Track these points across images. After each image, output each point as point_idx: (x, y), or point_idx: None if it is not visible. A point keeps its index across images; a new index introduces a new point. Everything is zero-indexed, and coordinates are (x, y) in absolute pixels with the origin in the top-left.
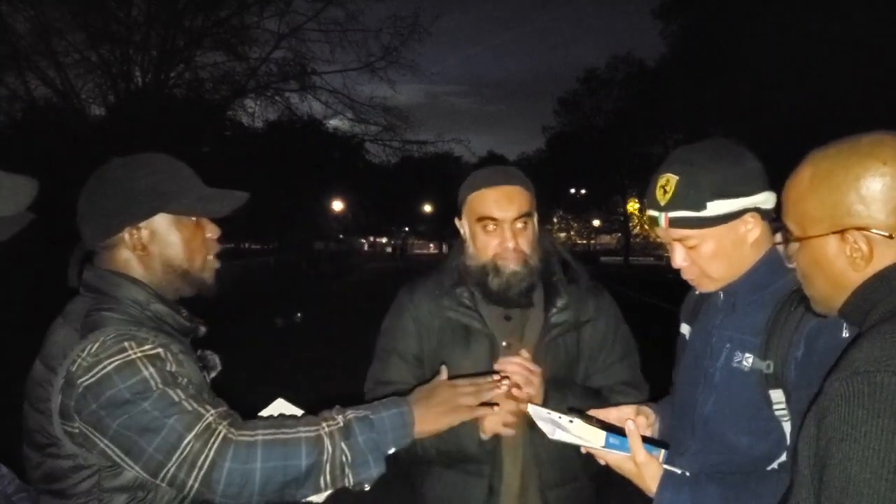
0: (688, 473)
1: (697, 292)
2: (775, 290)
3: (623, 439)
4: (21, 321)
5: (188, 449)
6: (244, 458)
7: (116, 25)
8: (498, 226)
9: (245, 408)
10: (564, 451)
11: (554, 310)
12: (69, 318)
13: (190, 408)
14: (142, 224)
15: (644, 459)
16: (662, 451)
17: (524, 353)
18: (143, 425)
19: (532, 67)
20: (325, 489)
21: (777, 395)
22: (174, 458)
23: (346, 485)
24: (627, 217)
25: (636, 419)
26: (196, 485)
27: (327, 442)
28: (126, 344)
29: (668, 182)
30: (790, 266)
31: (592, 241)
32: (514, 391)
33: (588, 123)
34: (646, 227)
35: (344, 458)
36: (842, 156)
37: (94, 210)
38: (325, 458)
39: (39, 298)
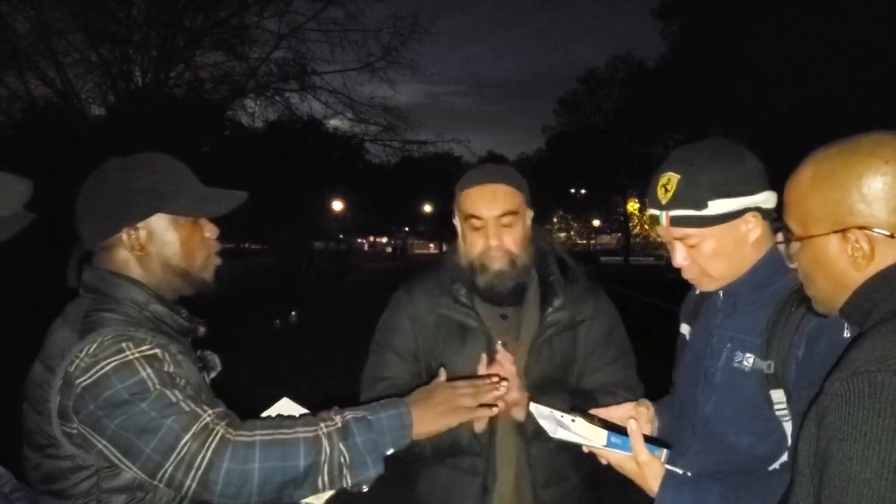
0: (689, 474)
1: (697, 292)
2: (776, 289)
3: (625, 439)
4: (21, 321)
5: (185, 449)
6: (242, 459)
7: (116, 25)
8: (484, 223)
9: (246, 408)
10: (555, 450)
11: (550, 309)
12: (68, 319)
13: (187, 408)
14: (139, 224)
15: (646, 459)
16: (664, 450)
17: (502, 352)
18: (141, 426)
19: (532, 67)
20: (323, 490)
21: (778, 395)
22: (171, 459)
23: (345, 486)
24: (627, 217)
25: (637, 409)
26: (193, 485)
27: (325, 443)
28: (124, 345)
29: (669, 181)
30: (791, 266)
31: (592, 241)
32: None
33: (588, 123)
34: (646, 227)
35: (342, 459)
36: (843, 155)
37: (92, 210)
38: (323, 458)
39: (39, 298)
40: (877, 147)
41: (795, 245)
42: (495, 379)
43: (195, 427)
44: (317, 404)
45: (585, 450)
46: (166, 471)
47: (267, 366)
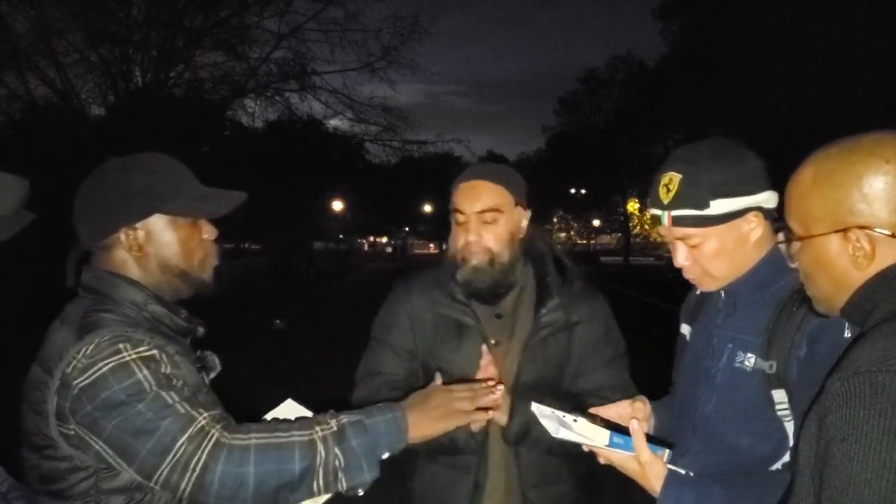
0: (691, 474)
1: (698, 292)
2: (777, 290)
3: (627, 438)
4: (21, 321)
5: (181, 451)
6: (237, 462)
7: (116, 25)
8: (466, 218)
9: (246, 408)
10: (544, 453)
11: (545, 310)
12: (67, 320)
13: (183, 410)
14: (138, 224)
15: (648, 459)
16: (667, 451)
17: (486, 356)
18: (138, 427)
19: (532, 67)
20: (319, 494)
21: (780, 396)
22: (167, 461)
23: (340, 489)
24: (627, 217)
25: (633, 406)
26: (189, 488)
27: (321, 446)
28: (121, 346)
29: (671, 181)
30: (792, 266)
31: (592, 241)
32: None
33: (588, 123)
34: (646, 227)
35: (337, 463)
36: (844, 155)
37: (90, 210)
38: (318, 462)
39: (39, 298)
40: (877, 147)
41: (796, 245)
42: (491, 383)
43: (191, 430)
44: (318, 404)
45: (586, 449)
46: (162, 473)
47: (267, 366)
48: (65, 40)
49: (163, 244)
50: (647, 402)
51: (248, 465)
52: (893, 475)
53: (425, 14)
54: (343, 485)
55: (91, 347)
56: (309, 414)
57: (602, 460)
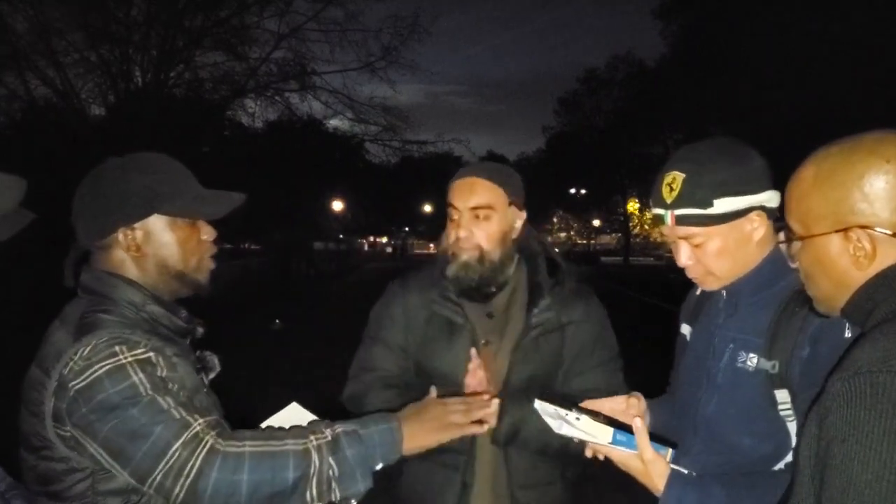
0: (693, 474)
1: (698, 292)
2: (779, 289)
3: (630, 436)
4: (21, 321)
5: (175, 457)
6: (231, 469)
7: (116, 25)
8: (458, 214)
9: (246, 408)
10: (534, 455)
11: (536, 310)
12: (66, 321)
13: (178, 416)
14: (136, 225)
15: (651, 457)
16: (670, 450)
17: (475, 359)
18: (132, 431)
19: (532, 67)
20: (312, 503)
21: (782, 396)
22: (161, 466)
23: (333, 499)
24: (627, 217)
25: (628, 402)
26: (182, 493)
27: (315, 456)
28: (117, 348)
29: (674, 180)
30: (793, 266)
31: (592, 241)
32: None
33: (588, 123)
34: (646, 227)
35: (331, 473)
36: (845, 154)
37: (88, 209)
38: (312, 471)
39: (39, 298)
40: (878, 146)
41: (796, 244)
42: (486, 396)
43: (185, 435)
44: (321, 407)
45: (589, 451)
46: (156, 478)
47: (267, 366)
48: (65, 40)
49: (161, 245)
50: (642, 398)
51: (241, 473)
52: (894, 476)
53: (425, 14)
54: (336, 494)
55: (88, 349)
56: (313, 418)
57: (600, 456)
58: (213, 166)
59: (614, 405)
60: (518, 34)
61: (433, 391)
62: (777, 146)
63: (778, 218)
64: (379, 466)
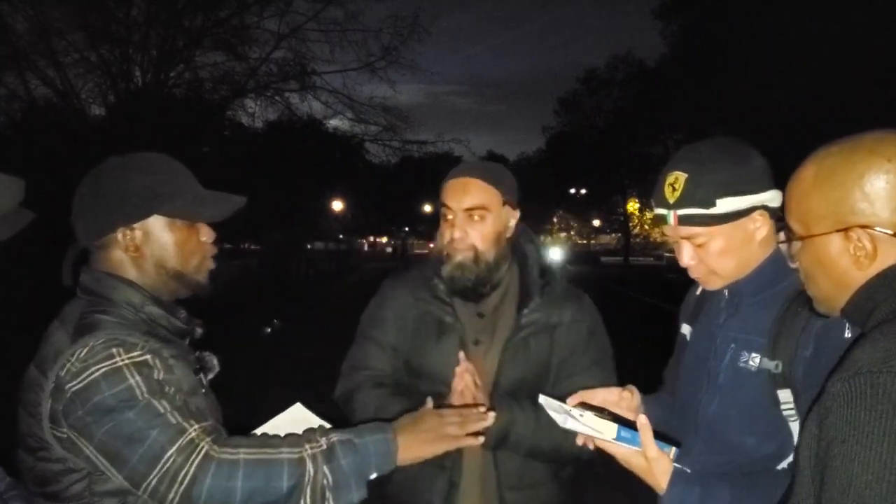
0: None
1: (698, 292)
2: (781, 289)
3: (634, 433)
4: (21, 321)
5: (170, 463)
6: (225, 476)
7: (116, 25)
8: (453, 214)
9: (246, 408)
10: (527, 455)
11: (526, 310)
12: (65, 321)
13: (174, 420)
14: (136, 225)
15: (655, 455)
16: (673, 448)
17: (464, 363)
18: (128, 434)
19: (532, 67)
20: None
21: (785, 395)
22: (156, 471)
23: None
24: (627, 217)
25: (622, 395)
26: (177, 499)
27: (309, 464)
28: (114, 350)
29: (676, 180)
30: (793, 266)
31: (592, 241)
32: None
33: (588, 123)
34: (646, 227)
35: (325, 482)
36: (845, 154)
37: (88, 208)
38: (306, 480)
39: (39, 298)
40: (879, 145)
41: (797, 244)
42: (482, 409)
43: (180, 441)
44: (323, 410)
45: (591, 446)
46: (150, 483)
47: (267, 366)
48: (65, 40)
49: (160, 245)
50: (636, 392)
51: (236, 480)
52: (894, 477)
53: (425, 14)
54: (330, 503)
55: (85, 351)
56: (316, 420)
57: (589, 445)
58: (213, 166)
59: (607, 396)
60: (518, 34)
61: (429, 402)
62: (777, 146)
63: (779, 218)
64: (373, 476)
